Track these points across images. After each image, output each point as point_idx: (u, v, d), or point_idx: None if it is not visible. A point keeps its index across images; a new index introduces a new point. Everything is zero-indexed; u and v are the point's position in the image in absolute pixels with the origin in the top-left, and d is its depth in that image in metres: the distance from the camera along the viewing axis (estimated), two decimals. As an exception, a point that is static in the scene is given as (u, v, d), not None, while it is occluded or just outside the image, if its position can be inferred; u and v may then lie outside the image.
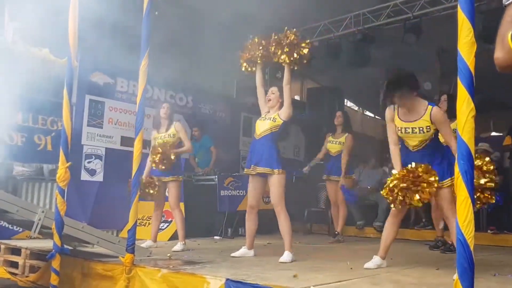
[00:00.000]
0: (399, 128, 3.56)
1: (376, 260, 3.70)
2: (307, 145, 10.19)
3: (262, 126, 4.39)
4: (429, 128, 3.46)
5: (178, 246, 4.94)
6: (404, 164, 3.50)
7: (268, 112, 4.49)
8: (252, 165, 4.34)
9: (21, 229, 5.40)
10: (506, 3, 1.37)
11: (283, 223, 4.22)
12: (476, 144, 1.98)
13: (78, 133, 6.16)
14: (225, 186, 6.84)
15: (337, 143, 6.31)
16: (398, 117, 3.57)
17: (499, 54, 1.33)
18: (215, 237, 6.53)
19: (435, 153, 3.53)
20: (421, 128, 3.47)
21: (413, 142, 3.54)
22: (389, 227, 3.72)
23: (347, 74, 8.68)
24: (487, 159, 3.66)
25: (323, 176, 6.53)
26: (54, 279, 3.43)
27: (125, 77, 6.94)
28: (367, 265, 3.67)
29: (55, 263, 3.43)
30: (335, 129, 6.38)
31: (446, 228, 5.11)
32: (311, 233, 7.82)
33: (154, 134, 5.27)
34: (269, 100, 4.48)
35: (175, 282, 3.27)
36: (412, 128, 3.49)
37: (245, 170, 4.50)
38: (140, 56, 3.72)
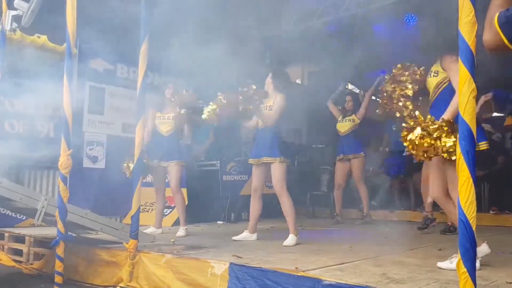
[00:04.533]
0: None
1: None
2: (309, 128, 10.17)
3: None
4: (437, 73, 3.32)
5: (181, 231, 4.95)
6: None
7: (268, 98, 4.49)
8: (255, 159, 4.41)
9: (24, 217, 5.43)
10: None
11: (287, 206, 4.26)
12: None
13: (79, 120, 6.14)
14: (227, 171, 6.85)
15: (347, 120, 6.37)
16: None
17: (487, 37, 1.41)
18: (218, 221, 6.57)
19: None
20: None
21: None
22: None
23: (348, 56, 8.61)
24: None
25: (337, 157, 6.52)
26: (58, 266, 3.46)
27: (125, 63, 6.90)
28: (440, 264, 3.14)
29: (60, 250, 3.45)
30: (345, 113, 6.47)
31: (435, 204, 5.05)
32: (314, 217, 7.86)
33: (156, 113, 5.21)
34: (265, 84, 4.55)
35: (179, 267, 3.30)
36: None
37: (250, 160, 4.53)
38: (139, 42, 3.70)
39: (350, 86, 12.65)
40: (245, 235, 4.48)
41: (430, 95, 3.38)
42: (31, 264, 4.35)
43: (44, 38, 5.79)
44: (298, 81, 11.09)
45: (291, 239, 4.11)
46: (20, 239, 4.65)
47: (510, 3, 1.43)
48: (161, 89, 5.56)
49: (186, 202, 5.53)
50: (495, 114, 10.08)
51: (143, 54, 3.69)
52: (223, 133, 7.53)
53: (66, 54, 3.66)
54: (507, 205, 6.55)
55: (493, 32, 1.39)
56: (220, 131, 7.47)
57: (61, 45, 5.07)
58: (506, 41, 1.38)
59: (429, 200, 5.22)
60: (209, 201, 6.61)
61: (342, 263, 3.11)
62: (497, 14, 1.39)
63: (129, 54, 6.17)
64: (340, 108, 6.61)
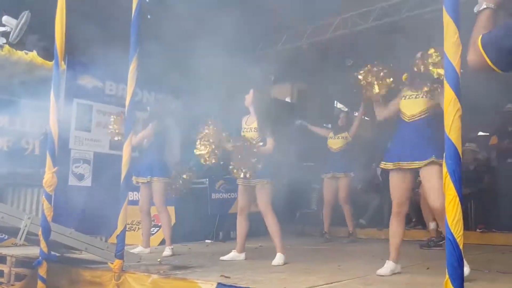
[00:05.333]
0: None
1: (389, 265, 3.51)
2: (297, 146, 10.18)
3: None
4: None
5: (167, 251, 4.88)
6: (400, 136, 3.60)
7: (249, 116, 4.53)
8: (242, 179, 4.36)
9: (6, 236, 5.32)
10: (477, 10, 1.53)
11: (272, 226, 4.25)
12: (463, 144, 1.99)
13: (65, 137, 6.08)
14: (216, 189, 6.80)
15: (340, 137, 6.39)
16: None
17: (471, 57, 1.48)
18: (207, 240, 6.50)
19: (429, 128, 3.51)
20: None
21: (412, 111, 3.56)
22: (393, 227, 3.58)
23: (336, 76, 8.72)
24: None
25: (323, 174, 6.55)
26: (40, 287, 3.38)
27: (114, 80, 6.88)
28: (380, 271, 3.45)
29: (42, 271, 3.37)
30: (337, 129, 6.49)
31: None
32: (303, 235, 7.82)
33: None
34: (245, 99, 4.59)
35: (165, 288, 3.24)
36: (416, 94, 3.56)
37: (238, 180, 4.47)
38: (129, 59, 3.69)
39: (339, 105, 12.81)
40: (233, 254, 4.43)
41: (412, 114, 3.51)
42: (12, 285, 4.22)
43: (32, 54, 5.77)
44: (288, 99, 11.17)
45: (279, 258, 4.08)
46: (1, 259, 4.53)
47: (493, 25, 1.48)
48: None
49: (174, 221, 5.46)
50: (480, 133, 10.23)
51: (132, 72, 3.68)
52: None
53: (53, 70, 3.64)
54: (493, 223, 6.58)
55: (476, 53, 1.45)
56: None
57: (50, 61, 5.05)
58: (489, 62, 1.43)
59: (431, 226, 5.26)
60: (197, 219, 6.54)
61: (331, 283, 3.09)
62: (480, 36, 1.45)
63: (118, 71, 6.17)
64: (329, 125, 6.67)
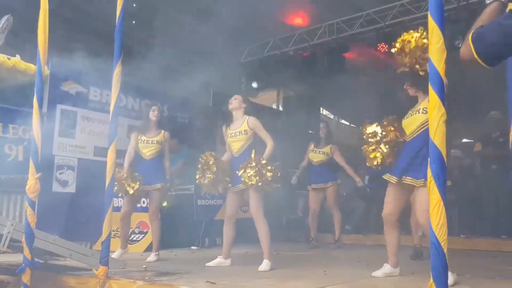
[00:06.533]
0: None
1: (386, 268, 3.63)
2: (283, 153, 10.20)
3: (237, 143, 4.38)
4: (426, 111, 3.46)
5: (152, 257, 4.86)
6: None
7: (233, 123, 4.51)
8: (233, 186, 4.36)
9: (-11, 244, 5.21)
10: (488, 1, 1.54)
11: (263, 232, 4.23)
12: (447, 150, 2.01)
13: (49, 143, 6.00)
14: (202, 195, 6.76)
15: (321, 152, 6.41)
16: None
17: (462, 49, 1.49)
18: (192, 247, 6.46)
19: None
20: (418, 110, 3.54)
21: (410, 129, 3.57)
22: (387, 234, 3.69)
23: (322, 82, 8.79)
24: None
25: (308, 186, 6.60)
26: (24, 295, 3.31)
27: (98, 86, 6.81)
28: (375, 273, 3.60)
29: (25, 278, 3.31)
30: (319, 140, 6.46)
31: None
32: (289, 241, 7.81)
33: (140, 135, 5.14)
34: (231, 103, 4.54)
35: (151, 294, 3.21)
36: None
37: (229, 189, 4.42)
38: (113, 64, 3.66)
39: (324, 112, 12.89)
40: (219, 261, 4.41)
41: (411, 131, 3.53)
42: (-6, 293, 4.15)
43: (14, 59, 5.68)
44: (274, 106, 11.20)
45: (265, 264, 4.07)
46: (-17, 266, 4.44)
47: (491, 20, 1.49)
48: (143, 112, 5.50)
49: (159, 227, 5.40)
50: (465, 140, 10.37)
51: (116, 78, 3.64)
52: (197, 157, 7.46)
53: (36, 75, 3.60)
54: (477, 229, 6.67)
55: (467, 45, 1.47)
56: (195, 155, 7.41)
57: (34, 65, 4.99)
58: (475, 55, 1.44)
59: (419, 233, 5.28)
60: (183, 226, 6.50)
61: (317, 288, 3.09)
62: (473, 30, 1.47)
63: (102, 76, 6.11)
64: (312, 133, 6.69)
